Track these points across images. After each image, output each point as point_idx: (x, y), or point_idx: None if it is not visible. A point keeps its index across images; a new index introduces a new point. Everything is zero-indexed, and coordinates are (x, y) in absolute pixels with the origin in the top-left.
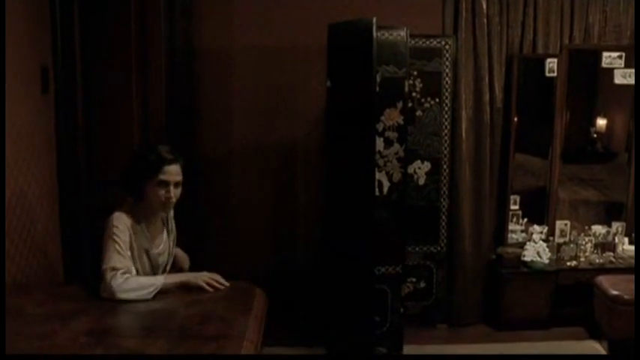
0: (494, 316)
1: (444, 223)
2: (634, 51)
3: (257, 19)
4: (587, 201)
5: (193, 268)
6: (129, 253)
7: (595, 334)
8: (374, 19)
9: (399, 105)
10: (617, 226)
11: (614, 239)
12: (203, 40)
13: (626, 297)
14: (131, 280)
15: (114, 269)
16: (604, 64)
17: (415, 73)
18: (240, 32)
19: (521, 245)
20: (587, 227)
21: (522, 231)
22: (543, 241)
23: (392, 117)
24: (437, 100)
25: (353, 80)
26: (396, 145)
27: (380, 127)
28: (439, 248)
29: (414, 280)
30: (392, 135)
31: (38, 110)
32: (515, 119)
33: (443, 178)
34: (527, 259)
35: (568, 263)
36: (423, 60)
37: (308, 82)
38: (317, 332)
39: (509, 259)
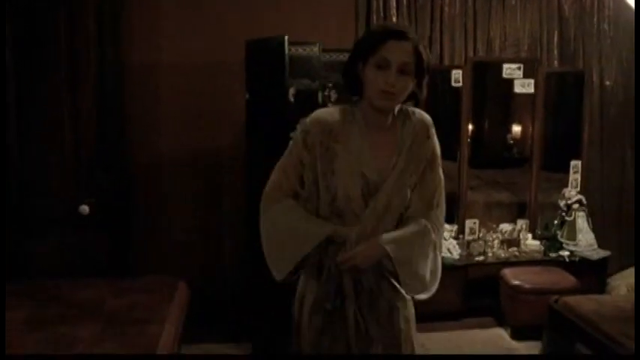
0: None
1: None
2: (533, 63)
3: (182, 37)
4: (501, 202)
5: (121, 267)
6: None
7: (501, 322)
8: (285, 37)
9: None
10: (521, 223)
11: (518, 235)
12: (132, 58)
13: (526, 286)
14: (285, 210)
15: (273, 191)
16: (505, 75)
17: (330, 84)
18: (167, 49)
19: None
20: (494, 225)
21: None
22: (454, 238)
23: None
24: None
25: (269, 93)
26: None
27: None
28: None
29: None
30: None
31: None
32: None
33: None
34: None
35: (477, 258)
36: (338, 73)
37: (231, 95)
38: (244, 329)
39: None
